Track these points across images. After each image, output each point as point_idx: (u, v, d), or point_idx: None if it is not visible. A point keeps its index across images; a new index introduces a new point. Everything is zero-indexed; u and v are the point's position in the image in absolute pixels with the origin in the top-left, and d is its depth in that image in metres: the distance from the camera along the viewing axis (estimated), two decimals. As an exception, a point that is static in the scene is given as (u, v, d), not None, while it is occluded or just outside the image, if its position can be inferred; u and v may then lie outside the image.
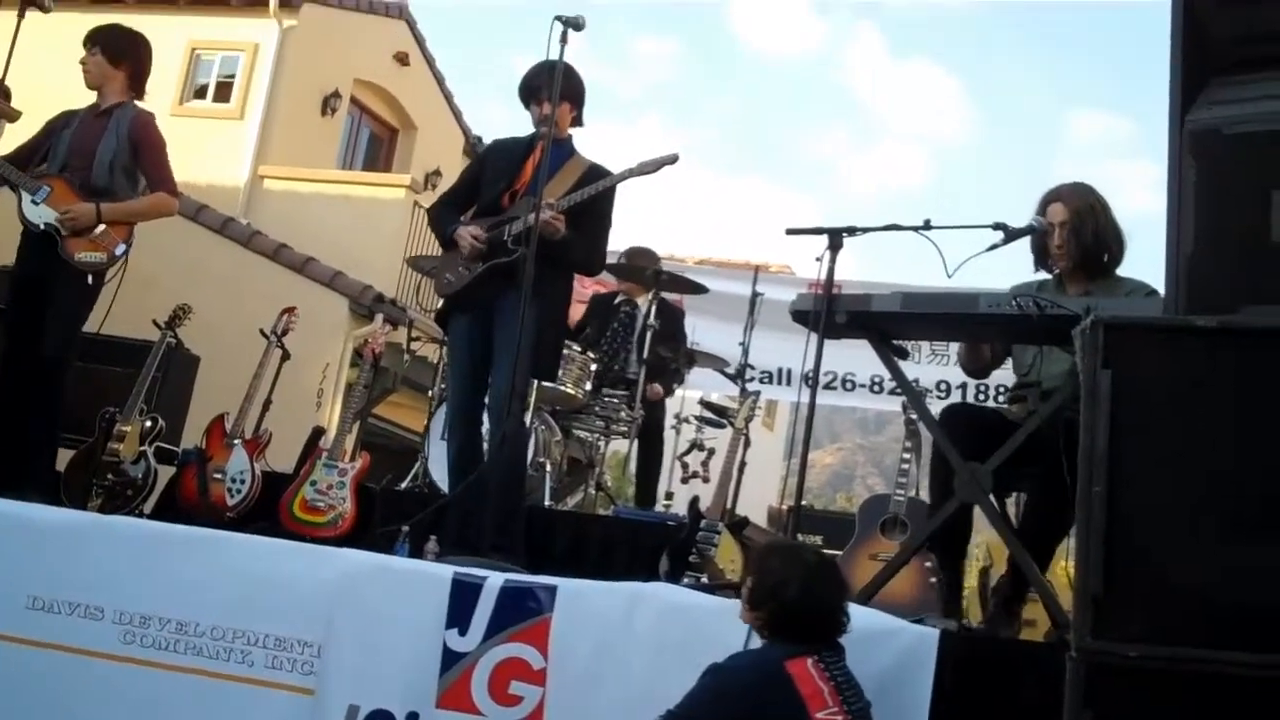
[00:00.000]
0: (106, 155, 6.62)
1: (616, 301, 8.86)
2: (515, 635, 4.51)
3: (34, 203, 6.39)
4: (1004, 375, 5.80)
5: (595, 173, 6.13)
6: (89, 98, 6.75)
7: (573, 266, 6.23)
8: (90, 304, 6.60)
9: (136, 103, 6.78)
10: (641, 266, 8.49)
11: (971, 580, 6.12)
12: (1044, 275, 5.44)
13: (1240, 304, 3.18)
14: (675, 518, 6.96)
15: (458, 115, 21.52)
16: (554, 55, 5.79)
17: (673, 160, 5.98)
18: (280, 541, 5.32)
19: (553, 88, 5.87)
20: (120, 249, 6.60)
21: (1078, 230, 5.20)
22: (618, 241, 6.79)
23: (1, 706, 4.95)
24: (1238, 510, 2.97)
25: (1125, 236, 5.31)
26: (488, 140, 6.70)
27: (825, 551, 6.23)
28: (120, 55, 6.75)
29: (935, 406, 7.12)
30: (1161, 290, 3.59)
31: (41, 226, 6.41)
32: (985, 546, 5.62)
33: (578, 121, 6.30)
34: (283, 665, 4.78)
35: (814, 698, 3.58)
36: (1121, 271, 5.33)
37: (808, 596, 3.79)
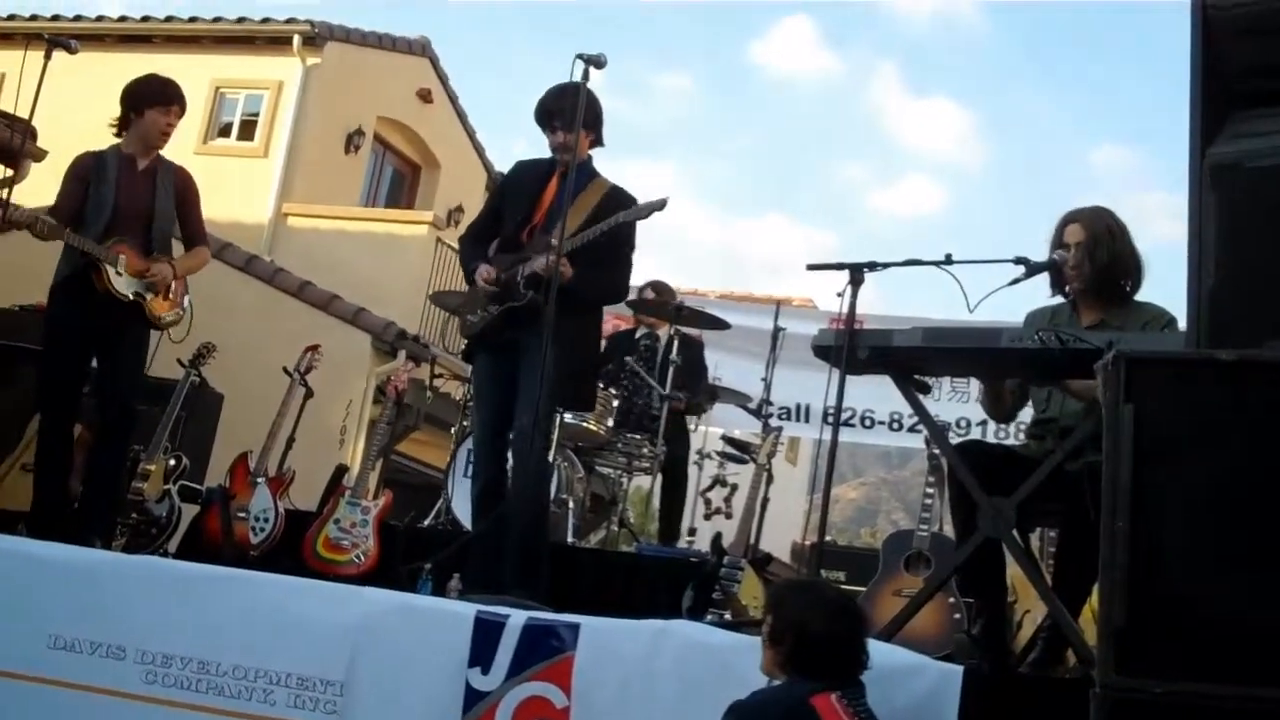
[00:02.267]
0: (165, 219, 6.73)
1: (638, 336, 8.86)
2: (538, 674, 4.49)
3: (118, 273, 6.42)
4: (1024, 413, 5.77)
5: (615, 195, 6.08)
6: (111, 136, 6.79)
7: (589, 303, 6.15)
8: None
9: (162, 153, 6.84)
10: (663, 302, 8.50)
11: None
12: (1059, 300, 5.41)
13: (1263, 338, 3.17)
14: (698, 554, 6.94)
15: (480, 151, 21.62)
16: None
17: (661, 206, 5.94)
18: (303, 580, 5.31)
19: (568, 114, 5.84)
20: (186, 301, 6.78)
21: (1092, 251, 5.16)
22: (639, 276, 6.75)
23: (24, 746, 4.95)
24: (1262, 543, 2.96)
25: (1144, 263, 5.27)
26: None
27: (848, 588, 6.23)
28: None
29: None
30: (1180, 317, 3.58)
31: (131, 297, 6.48)
32: (1010, 581, 5.59)
33: (597, 143, 6.24)
34: (305, 704, 4.76)
35: None
36: (1142, 297, 5.29)
37: (830, 631, 3.78)
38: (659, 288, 8.87)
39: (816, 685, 3.67)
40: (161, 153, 6.81)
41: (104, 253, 6.39)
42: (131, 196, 6.61)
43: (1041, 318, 5.33)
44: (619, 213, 5.91)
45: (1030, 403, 5.46)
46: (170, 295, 6.66)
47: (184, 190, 6.82)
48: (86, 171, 6.61)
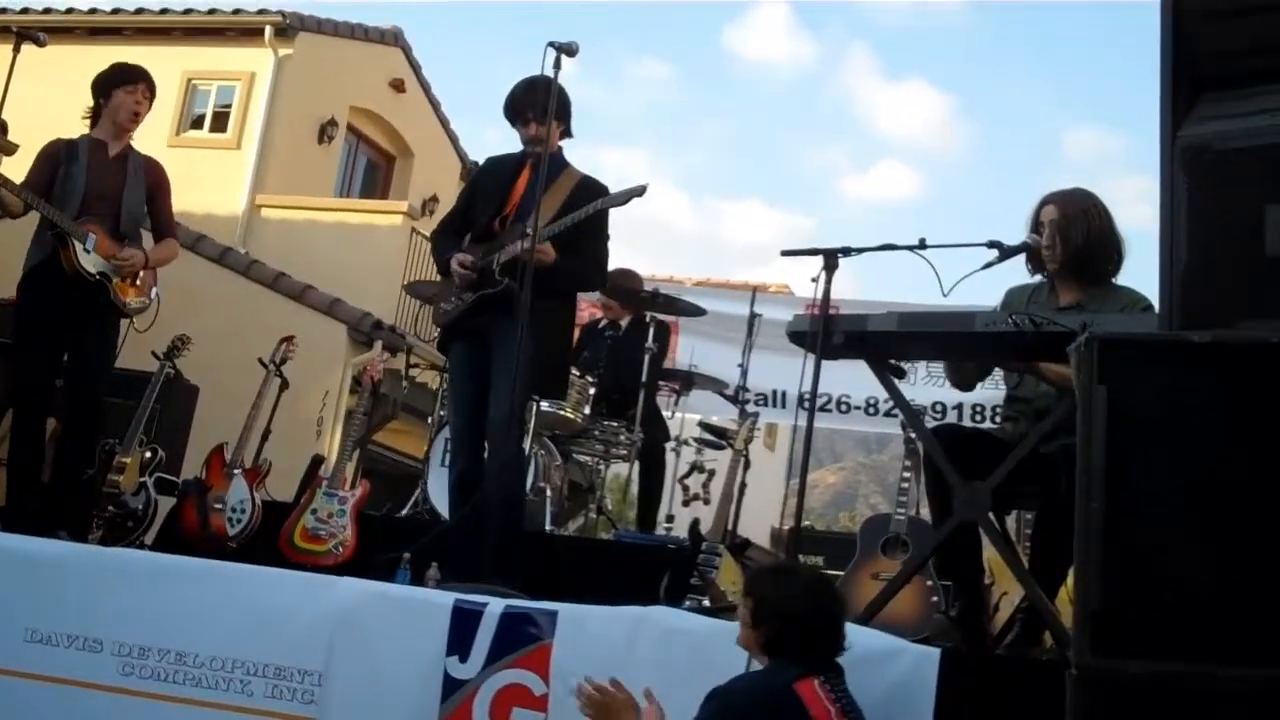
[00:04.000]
0: (135, 205, 6.70)
1: (600, 326, 8.84)
2: (516, 662, 4.50)
3: (86, 250, 6.39)
4: (999, 396, 5.78)
5: (587, 185, 6.10)
6: (84, 128, 6.76)
7: (571, 288, 6.22)
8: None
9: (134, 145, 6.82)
10: (637, 289, 8.49)
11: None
12: (1039, 278, 5.41)
13: (1235, 319, 3.17)
14: (676, 540, 6.95)
15: (454, 141, 21.58)
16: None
17: (640, 192, 5.96)
18: (281, 571, 5.32)
19: (539, 107, 5.87)
20: (154, 292, 6.73)
21: (1065, 232, 5.16)
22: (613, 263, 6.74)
23: (1, 741, 4.95)
24: (1236, 523, 2.97)
25: (1125, 245, 5.27)
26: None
27: (826, 571, 6.25)
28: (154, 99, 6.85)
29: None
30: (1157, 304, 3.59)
31: (97, 275, 6.43)
32: (986, 563, 5.60)
33: (566, 134, 6.25)
34: (283, 695, 4.77)
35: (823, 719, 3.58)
36: (1123, 281, 5.29)
37: (811, 610, 3.80)
38: (626, 275, 8.84)
39: (799, 670, 3.69)
40: (134, 145, 6.79)
41: (74, 227, 6.35)
42: (102, 179, 6.58)
43: (1021, 295, 5.35)
44: (598, 199, 5.93)
45: (1002, 377, 5.47)
46: (138, 283, 6.64)
47: (155, 182, 6.80)
48: (57, 155, 6.58)
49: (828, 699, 3.62)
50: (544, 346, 5.83)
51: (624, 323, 8.67)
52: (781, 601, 3.81)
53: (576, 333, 7.98)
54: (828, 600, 3.89)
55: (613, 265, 8.17)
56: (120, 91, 6.65)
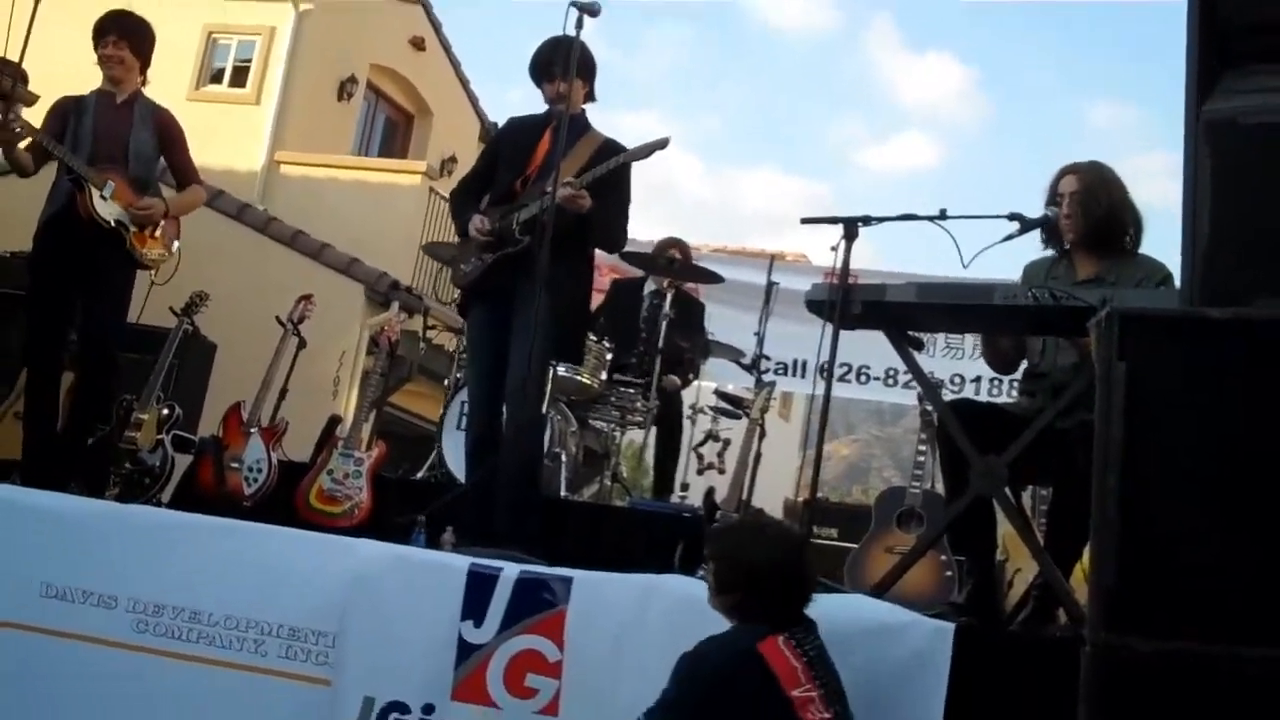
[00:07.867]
0: (143, 149, 6.66)
1: (646, 291, 8.78)
2: (531, 627, 4.51)
3: (104, 198, 6.38)
4: (1017, 371, 5.76)
5: (610, 146, 6.07)
6: (100, 79, 6.75)
7: (601, 241, 6.22)
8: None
9: (145, 92, 6.80)
10: (654, 256, 8.46)
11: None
12: (1054, 253, 5.38)
13: (1256, 295, 3.16)
14: (691, 509, 6.94)
15: (474, 100, 21.53)
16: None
17: (663, 145, 5.94)
18: (296, 531, 5.31)
19: (565, 65, 5.85)
20: (175, 244, 6.72)
21: (1086, 202, 5.13)
22: (643, 232, 6.73)
23: (14, 694, 4.95)
24: (1252, 502, 2.96)
25: (1143, 218, 5.23)
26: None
27: (841, 544, 6.23)
28: (141, 45, 6.75)
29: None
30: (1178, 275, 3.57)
31: (113, 223, 6.42)
32: (1001, 539, 5.59)
33: (590, 97, 6.25)
34: (297, 655, 4.77)
35: (787, 676, 3.59)
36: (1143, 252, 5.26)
37: (779, 570, 3.79)
38: (672, 244, 8.83)
39: (764, 629, 3.69)
40: (145, 93, 6.80)
41: (93, 173, 6.36)
42: (110, 126, 6.58)
43: (1039, 270, 5.32)
44: (621, 153, 5.91)
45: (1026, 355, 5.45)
46: (158, 234, 6.63)
47: (165, 129, 6.77)
48: (66, 110, 6.61)
49: (793, 655, 3.62)
50: (563, 307, 5.82)
51: (668, 295, 8.62)
52: (748, 563, 3.81)
53: (601, 298, 7.98)
54: (795, 557, 3.88)
55: (660, 234, 8.16)
56: (98, 51, 6.66)
